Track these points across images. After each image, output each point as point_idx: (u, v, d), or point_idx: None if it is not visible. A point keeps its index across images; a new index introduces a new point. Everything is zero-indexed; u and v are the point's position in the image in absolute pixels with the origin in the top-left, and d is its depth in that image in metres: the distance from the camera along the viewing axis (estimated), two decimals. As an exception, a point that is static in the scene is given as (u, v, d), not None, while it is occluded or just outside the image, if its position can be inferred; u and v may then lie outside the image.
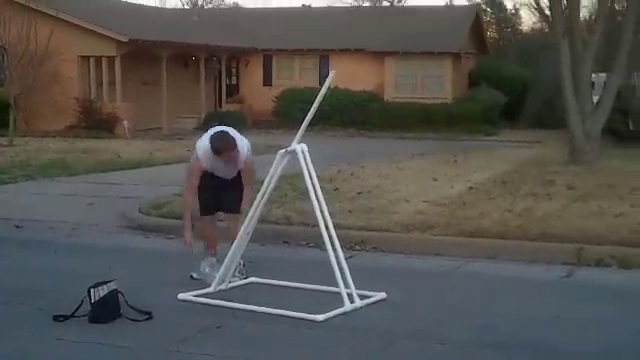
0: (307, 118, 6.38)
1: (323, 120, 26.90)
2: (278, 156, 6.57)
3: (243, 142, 7.04)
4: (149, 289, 6.69)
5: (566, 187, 11.49)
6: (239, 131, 7.18)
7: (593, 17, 16.81)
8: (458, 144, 22.10)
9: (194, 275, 7.19)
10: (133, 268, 7.62)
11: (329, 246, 6.24)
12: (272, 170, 6.61)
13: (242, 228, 6.74)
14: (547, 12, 16.67)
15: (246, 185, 7.15)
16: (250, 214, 6.72)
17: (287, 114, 27.88)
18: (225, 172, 7.12)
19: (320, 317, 5.84)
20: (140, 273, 7.36)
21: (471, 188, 11.62)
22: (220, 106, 25.46)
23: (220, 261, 6.96)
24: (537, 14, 22.59)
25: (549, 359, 5.21)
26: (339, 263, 6.23)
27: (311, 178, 6.38)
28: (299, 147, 6.42)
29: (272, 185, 6.62)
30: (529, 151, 19.30)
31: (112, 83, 24.10)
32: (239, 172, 7.11)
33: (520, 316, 6.02)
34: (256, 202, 6.70)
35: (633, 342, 5.48)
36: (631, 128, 23.00)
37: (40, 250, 8.51)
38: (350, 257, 6.32)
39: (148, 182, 13.31)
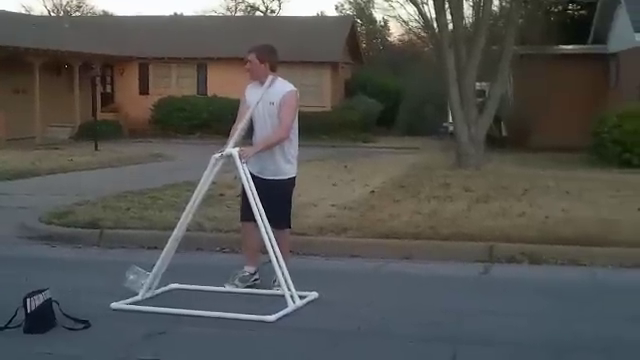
0: (240, 127, 6.59)
1: (202, 128, 26.83)
2: (212, 160, 6.52)
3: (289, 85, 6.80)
4: (75, 298, 6.45)
5: (463, 189, 11.90)
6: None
7: (472, 29, 17.39)
8: (341, 150, 22.49)
9: (226, 286, 6.80)
10: (50, 278, 7.25)
11: (270, 250, 6.25)
12: (206, 174, 6.54)
13: (172, 234, 6.62)
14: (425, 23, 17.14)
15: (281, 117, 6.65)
16: (181, 220, 6.63)
17: (165, 123, 27.61)
18: (261, 115, 6.72)
19: (271, 317, 5.80)
20: (59, 283, 6.99)
21: (373, 192, 11.84)
22: (95, 115, 24.82)
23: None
24: (412, 25, 23.11)
25: (497, 351, 5.35)
26: (280, 266, 6.25)
27: (248, 182, 6.38)
28: (234, 151, 6.41)
29: (205, 190, 6.56)
30: (413, 156, 19.87)
31: (-19, 91, 23.13)
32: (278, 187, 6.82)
33: (457, 312, 6.18)
34: (187, 209, 6.61)
35: (567, 331, 5.73)
36: (504, 134, 24.13)
37: (-57, 263, 8.06)
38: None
39: (39, 192, 12.85)
